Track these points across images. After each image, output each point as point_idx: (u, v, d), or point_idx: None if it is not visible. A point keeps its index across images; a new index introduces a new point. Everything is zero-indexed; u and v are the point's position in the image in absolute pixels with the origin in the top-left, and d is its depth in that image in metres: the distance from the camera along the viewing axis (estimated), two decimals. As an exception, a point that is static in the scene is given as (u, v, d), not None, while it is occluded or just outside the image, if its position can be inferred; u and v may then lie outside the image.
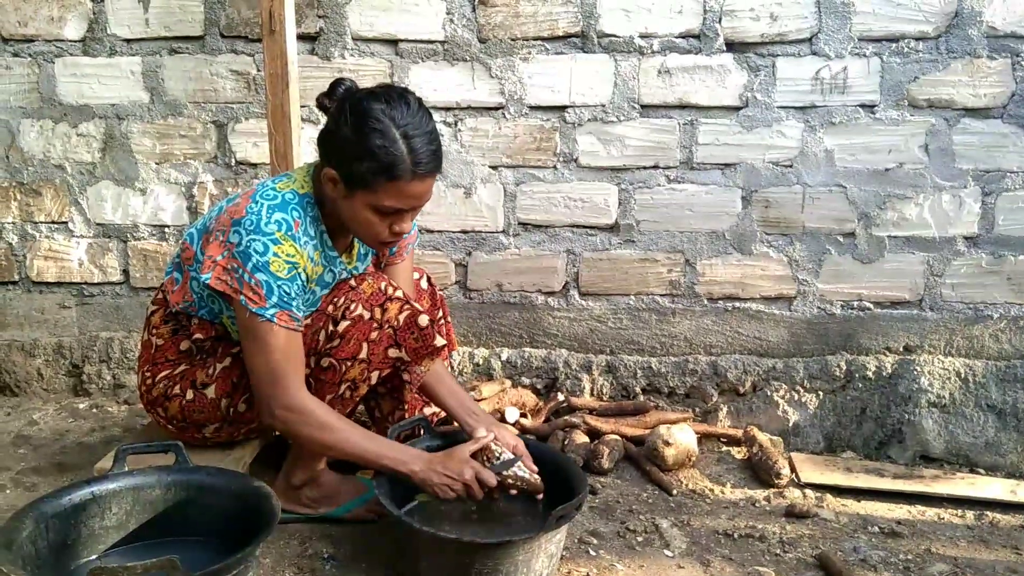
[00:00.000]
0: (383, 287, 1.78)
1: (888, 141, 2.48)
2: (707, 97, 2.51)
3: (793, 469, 2.29)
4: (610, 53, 2.51)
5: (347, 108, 1.63)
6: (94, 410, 2.64)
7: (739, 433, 2.46)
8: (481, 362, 2.67)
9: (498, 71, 2.54)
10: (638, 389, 2.60)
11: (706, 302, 2.63)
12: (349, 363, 1.73)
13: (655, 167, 2.57)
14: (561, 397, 2.58)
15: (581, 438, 2.33)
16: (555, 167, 2.59)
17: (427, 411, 2.06)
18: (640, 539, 1.92)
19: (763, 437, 2.37)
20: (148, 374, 1.87)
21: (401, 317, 1.76)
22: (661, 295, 2.65)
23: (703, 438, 2.44)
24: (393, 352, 1.76)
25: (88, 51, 2.63)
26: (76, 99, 2.67)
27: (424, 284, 2.11)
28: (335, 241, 1.80)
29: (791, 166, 2.53)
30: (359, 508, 1.91)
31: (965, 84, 2.43)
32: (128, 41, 2.62)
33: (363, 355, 1.73)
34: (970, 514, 2.11)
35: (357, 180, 1.62)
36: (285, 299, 1.64)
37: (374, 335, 1.74)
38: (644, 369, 2.60)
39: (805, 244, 2.57)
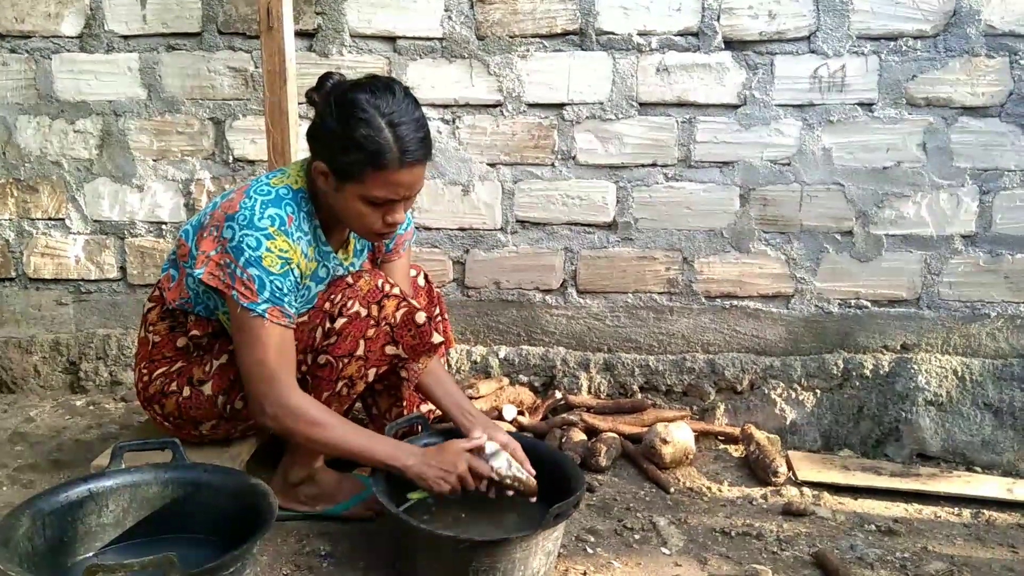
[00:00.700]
0: (380, 284, 1.78)
1: (886, 139, 2.48)
2: (705, 95, 2.51)
3: (790, 467, 2.30)
4: (608, 51, 2.51)
5: (332, 100, 1.63)
6: (91, 407, 2.64)
7: (736, 431, 2.46)
8: (479, 360, 2.67)
9: (496, 68, 2.54)
10: (636, 387, 2.60)
11: (704, 300, 2.64)
12: (346, 360, 1.73)
13: (653, 165, 2.57)
14: (559, 395, 2.59)
15: (579, 436, 2.33)
16: (553, 165, 2.59)
17: (424, 408, 2.06)
18: (637, 537, 1.93)
19: (760, 435, 2.38)
20: (145, 371, 1.87)
21: (398, 314, 1.75)
22: (659, 293, 2.65)
23: (700, 436, 2.44)
24: (390, 349, 1.76)
25: (85, 47, 2.63)
26: (73, 96, 2.66)
27: (421, 281, 2.11)
28: (330, 236, 1.80)
29: (789, 164, 2.53)
30: (357, 506, 1.91)
31: (963, 83, 2.43)
32: (125, 38, 2.61)
33: (360, 352, 1.73)
34: (967, 512, 2.12)
35: (346, 172, 1.61)
36: (277, 295, 1.63)
37: (371, 332, 1.73)
38: (642, 367, 2.60)
39: (803, 242, 2.57)
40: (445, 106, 2.58)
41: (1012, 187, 2.48)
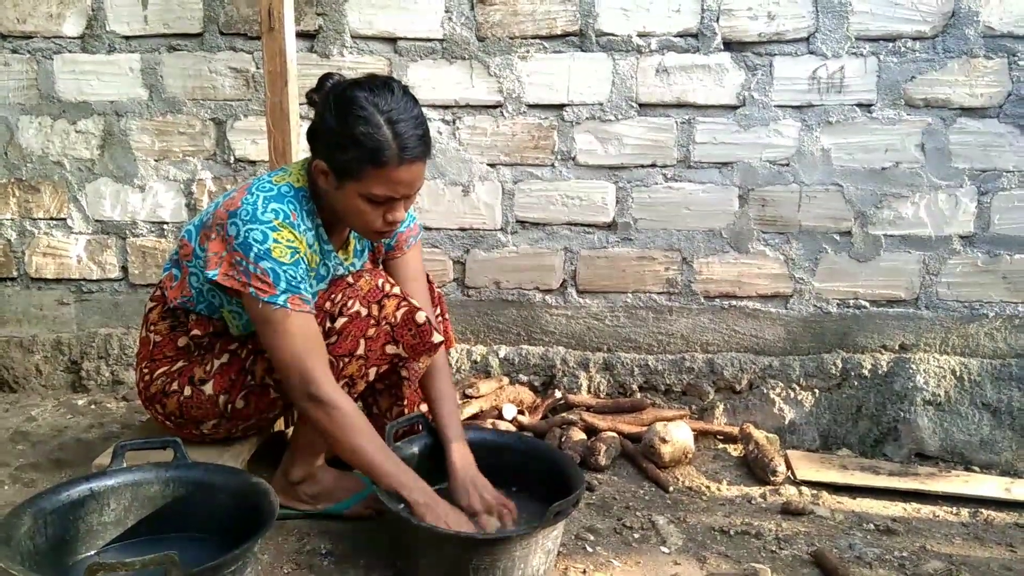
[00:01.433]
0: (380, 284, 1.78)
1: (885, 140, 2.49)
2: (705, 96, 2.51)
3: (789, 467, 2.30)
4: (608, 52, 2.52)
5: (331, 99, 1.63)
6: (92, 406, 2.65)
7: (735, 431, 2.47)
8: (479, 359, 2.67)
9: (496, 69, 2.55)
10: (635, 387, 2.61)
11: (703, 300, 2.64)
12: (347, 359, 1.73)
13: (653, 166, 2.57)
14: (558, 394, 2.59)
15: (578, 435, 2.34)
16: (553, 165, 2.60)
17: (424, 408, 2.06)
18: (637, 536, 1.93)
19: (759, 435, 2.38)
20: (146, 370, 1.87)
21: (399, 314, 1.76)
22: (658, 293, 2.65)
23: (700, 435, 2.45)
24: (391, 348, 1.76)
25: (87, 48, 2.64)
26: (75, 96, 2.67)
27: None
28: (331, 236, 1.80)
29: (788, 165, 2.53)
30: (357, 504, 1.91)
31: (962, 84, 2.44)
32: (127, 38, 2.62)
33: (361, 352, 1.74)
34: (965, 512, 2.12)
35: (345, 170, 1.62)
36: (293, 283, 1.63)
37: (371, 332, 1.74)
38: (641, 367, 2.61)
39: (802, 243, 2.58)
40: (445, 107, 2.59)
41: (1010, 188, 2.49)
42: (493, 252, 2.67)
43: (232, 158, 2.67)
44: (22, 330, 2.81)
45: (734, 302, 2.63)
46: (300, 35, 2.49)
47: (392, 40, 2.56)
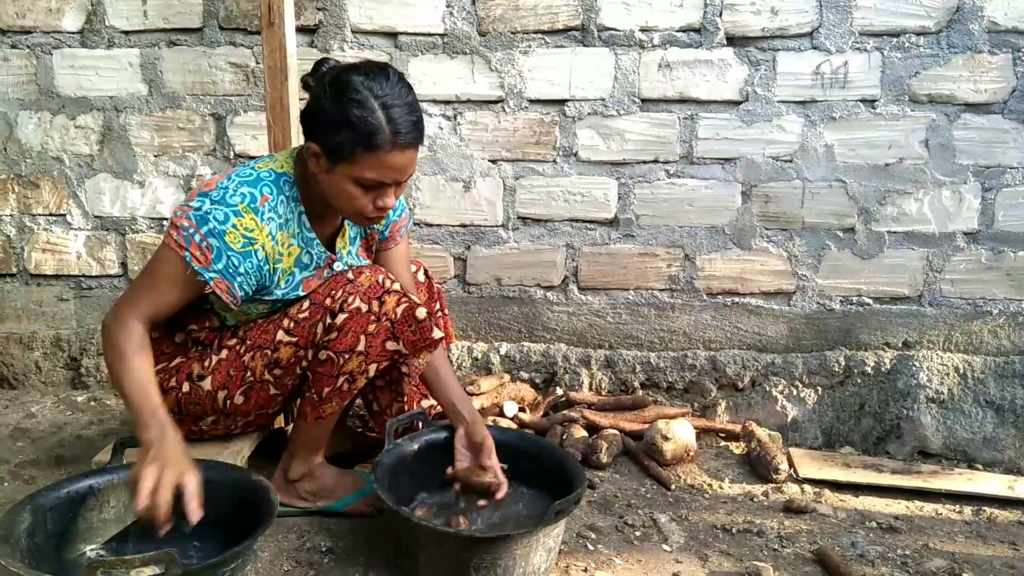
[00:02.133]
0: (381, 280, 1.78)
1: (888, 136, 2.48)
2: (707, 91, 2.50)
3: (791, 464, 2.29)
4: (610, 47, 2.50)
5: (327, 81, 1.62)
6: (92, 403, 2.64)
7: (738, 428, 2.46)
8: (480, 356, 2.67)
9: (498, 64, 2.54)
10: (637, 384, 2.60)
11: (705, 297, 2.63)
12: (347, 356, 1.72)
13: (655, 161, 2.56)
14: (560, 391, 2.59)
15: (579, 433, 2.33)
16: (555, 161, 2.59)
17: (425, 404, 2.06)
18: (638, 534, 1.92)
19: (761, 432, 2.38)
20: (145, 367, 1.86)
21: (399, 310, 1.75)
22: (660, 290, 2.64)
23: (702, 433, 2.44)
24: (391, 345, 1.76)
25: (86, 43, 2.62)
26: (74, 91, 2.66)
27: (422, 277, 2.11)
28: (319, 223, 1.79)
29: (791, 161, 2.52)
30: (357, 502, 1.90)
31: (966, 79, 2.43)
32: (126, 33, 2.61)
33: (361, 348, 1.73)
34: (968, 510, 2.12)
35: (338, 152, 1.61)
36: (231, 270, 1.64)
37: (372, 328, 1.73)
38: (643, 364, 2.60)
39: (805, 239, 2.57)
40: (447, 102, 2.58)
41: (1014, 184, 2.48)
42: (494, 248, 2.66)
43: (232, 154, 2.66)
44: (21, 326, 2.80)
45: (737, 299, 2.62)
46: (300, 30, 2.48)
47: (392, 35, 2.55)
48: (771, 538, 1.92)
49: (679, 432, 2.26)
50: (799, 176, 2.53)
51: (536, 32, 2.51)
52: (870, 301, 2.58)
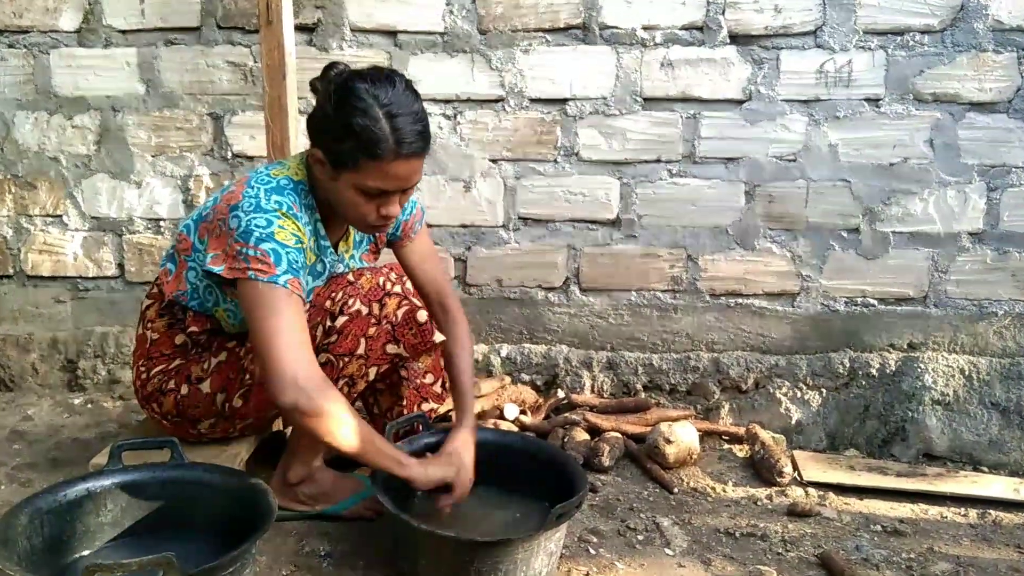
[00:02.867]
0: (381, 282, 1.76)
1: (893, 135, 2.46)
2: (710, 90, 2.49)
3: (795, 467, 2.28)
4: (612, 45, 2.49)
5: (332, 88, 1.61)
6: (89, 405, 2.63)
7: (741, 431, 2.44)
8: (480, 358, 2.65)
9: (498, 63, 2.52)
10: (639, 386, 2.59)
11: (708, 298, 2.62)
12: (347, 359, 1.71)
13: (657, 161, 2.55)
14: (561, 394, 2.57)
15: (581, 435, 2.32)
16: (556, 161, 2.57)
17: (425, 407, 2.04)
18: (641, 537, 1.91)
19: (765, 435, 2.36)
20: (143, 369, 1.85)
21: (399, 313, 1.74)
22: (663, 291, 2.63)
23: (705, 436, 2.43)
24: (391, 348, 1.74)
25: (83, 42, 2.61)
26: (71, 91, 2.64)
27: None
28: (328, 230, 1.78)
29: (795, 160, 2.51)
30: (356, 505, 1.89)
31: (971, 78, 2.41)
32: (124, 32, 2.59)
33: (361, 351, 1.71)
34: (973, 513, 2.10)
35: (342, 160, 1.59)
36: (295, 266, 1.57)
37: (372, 331, 1.72)
38: (645, 366, 2.59)
39: (809, 240, 2.55)
40: (447, 101, 2.56)
41: (1020, 184, 2.46)
42: (495, 249, 2.64)
43: (230, 153, 2.64)
44: (18, 328, 2.79)
45: (740, 300, 2.61)
46: (299, 28, 2.46)
47: (392, 33, 2.53)
48: (775, 542, 1.90)
49: (682, 435, 2.24)
50: (803, 176, 2.51)
51: (537, 30, 2.50)
52: (875, 302, 2.57)
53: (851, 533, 1.97)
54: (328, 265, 1.80)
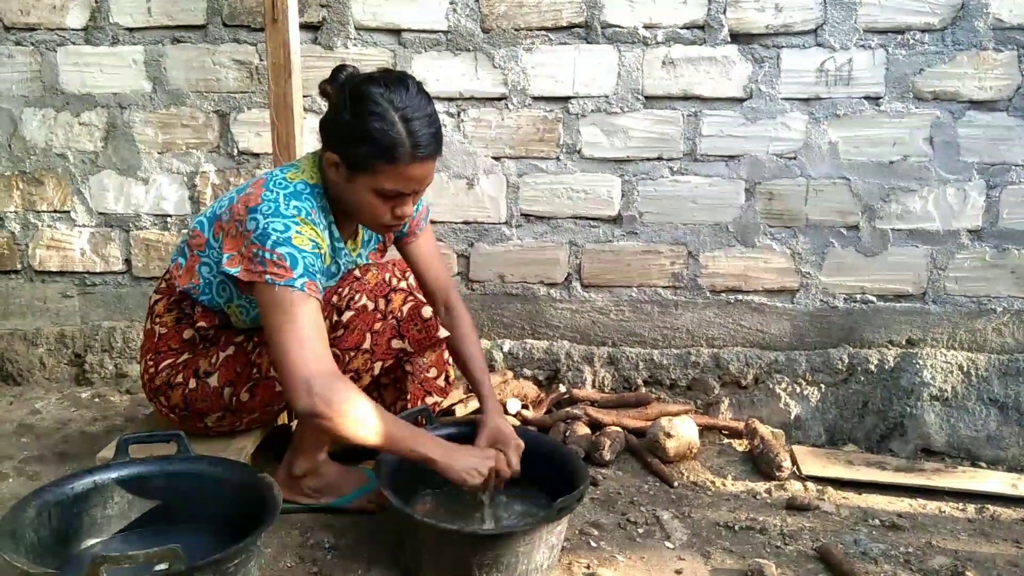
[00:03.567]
0: (387, 278, 1.78)
1: (893, 133, 2.47)
2: (711, 88, 2.50)
3: (794, 462, 2.29)
4: (614, 44, 2.50)
5: (347, 93, 1.62)
6: (96, 399, 2.65)
7: (741, 426, 2.46)
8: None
9: (501, 61, 2.53)
10: (640, 381, 2.60)
11: (708, 294, 2.63)
12: (352, 353, 1.73)
13: (659, 159, 2.56)
14: (563, 389, 2.59)
15: (582, 430, 2.33)
16: (558, 158, 2.59)
17: (429, 401, 2.06)
18: (641, 531, 1.92)
19: (765, 430, 2.37)
20: (151, 363, 1.87)
21: (405, 308, 1.75)
22: (664, 287, 2.64)
23: (705, 430, 2.44)
24: (396, 343, 1.76)
25: (90, 40, 2.63)
26: (78, 88, 2.66)
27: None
28: (341, 230, 1.80)
29: (795, 158, 2.52)
30: (361, 499, 1.91)
31: (971, 76, 2.42)
32: (130, 30, 2.61)
33: (366, 345, 1.73)
34: (971, 507, 2.11)
35: (358, 164, 1.62)
36: (311, 270, 1.60)
37: (378, 326, 1.73)
38: (646, 361, 2.60)
39: (808, 237, 2.56)
40: (450, 99, 2.57)
41: (1019, 181, 2.47)
42: (497, 246, 2.66)
43: (236, 151, 2.66)
44: (26, 323, 2.81)
45: (740, 296, 2.62)
46: (304, 27, 2.48)
47: (396, 32, 2.55)
48: (774, 536, 1.92)
49: (682, 429, 2.26)
50: (803, 173, 2.52)
51: (540, 29, 2.51)
52: (874, 299, 2.58)
53: (849, 527, 1.98)
54: (343, 266, 1.82)
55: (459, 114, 2.58)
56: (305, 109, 2.39)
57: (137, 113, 2.66)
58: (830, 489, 2.17)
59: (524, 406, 2.48)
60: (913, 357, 2.47)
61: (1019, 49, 2.39)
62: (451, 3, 2.51)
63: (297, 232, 1.60)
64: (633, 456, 2.32)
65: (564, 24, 2.50)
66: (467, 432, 1.87)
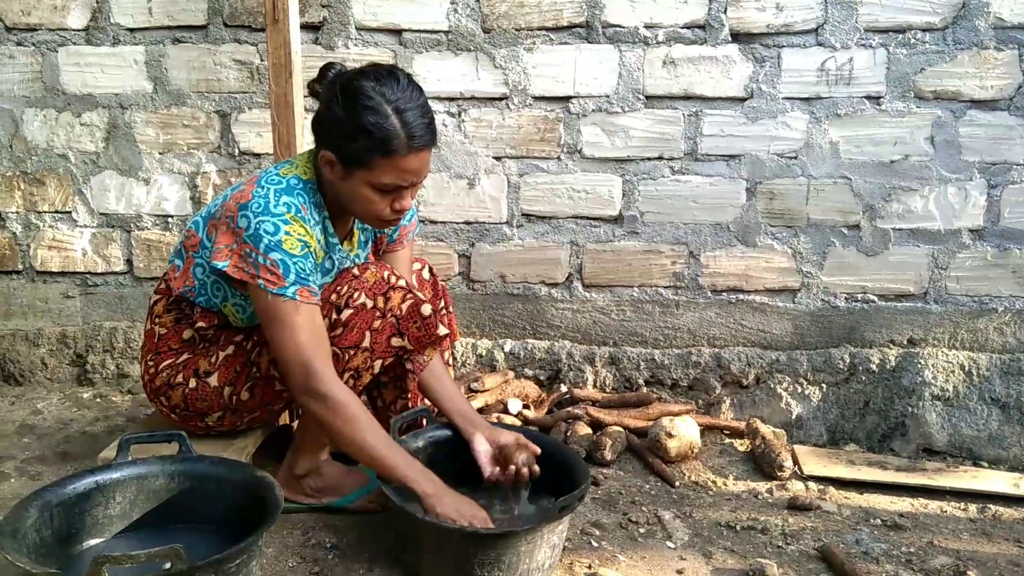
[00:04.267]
0: (386, 276, 1.78)
1: (894, 133, 2.47)
2: (712, 88, 2.50)
3: (796, 462, 2.29)
4: (615, 43, 2.50)
5: (337, 89, 1.63)
6: (98, 399, 2.65)
7: (742, 425, 2.46)
8: (484, 353, 2.67)
9: (502, 61, 2.54)
10: (641, 381, 2.60)
11: (710, 294, 2.63)
12: (352, 352, 1.73)
13: (659, 158, 2.56)
14: (564, 389, 2.59)
15: (584, 430, 2.33)
16: (559, 158, 2.59)
17: (428, 401, 2.06)
18: (642, 531, 1.92)
19: (766, 429, 2.37)
20: (151, 363, 1.87)
21: (404, 306, 1.75)
22: (665, 287, 2.64)
23: (706, 430, 2.44)
24: (396, 341, 1.76)
25: (91, 40, 2.63)
26: (79, 88, 2.66)
27: (426, 274, 2.11)
28: (336, 228, 1.80)
29: (796, 158, 2.52)
30: (362, 498, 1.91)
31: (972, 76, 2.42)
32: (131, 30, 2.61)
33: (366, 344, 1.73)
34: (973, 507, 2.11)
35: (354, 159, 1.62)
36: (303, 275, 1.62)
37: (377, 324, 1.73)
38: (647, 361, 2.60)
39: (809, 236, 2.56)
40: (451, 99, 2.58)
41: (1020, 181, 2.47)
42: (498, 246, 2.66)
43: (237, 151, 2.66)
44: (27, 323, 2.81)
45: (741, 296, 2.62)
46: (305, 27, 2.48)
47: (397, 32, 2.55)
48: (775, 535, 1.92)
49: (683, 429, 2.26)
50: (804, 173, 2.52)
51: (540, 29, 2.51)
52: (875, 298, 2.58)
53: (851, 527, 1.98)
54: (337, 263, 1.82)
55: (460, 114, 2.58)
56: (306, 109, 2.38)
57: (138, 113, 2.66)
58: (832, 489, 2.17)
59: (525, 406, 2.48)
60: (914, 357, 2.46)
61: (1020, 48, 2.39)
62: (452, 3, 2.51)
63: (286, 234, 1.61)
64: (634, 456, 2.32)
65: (565, 24, 2.50)
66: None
